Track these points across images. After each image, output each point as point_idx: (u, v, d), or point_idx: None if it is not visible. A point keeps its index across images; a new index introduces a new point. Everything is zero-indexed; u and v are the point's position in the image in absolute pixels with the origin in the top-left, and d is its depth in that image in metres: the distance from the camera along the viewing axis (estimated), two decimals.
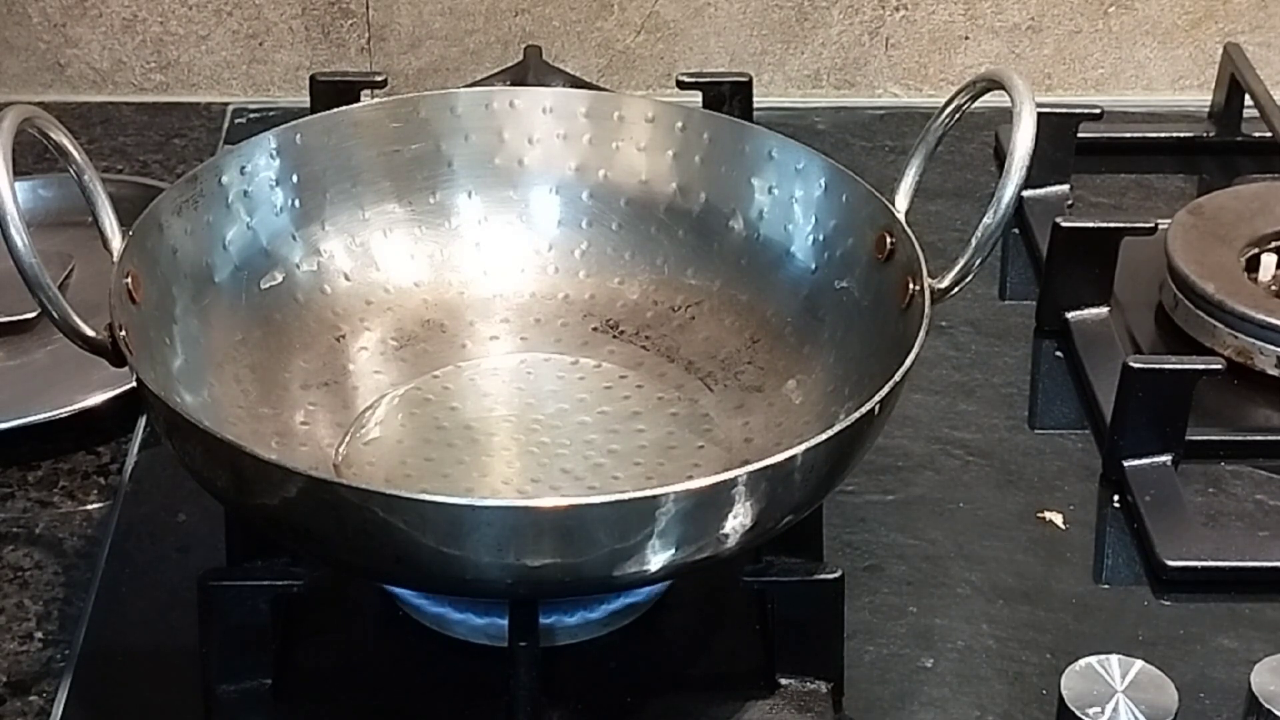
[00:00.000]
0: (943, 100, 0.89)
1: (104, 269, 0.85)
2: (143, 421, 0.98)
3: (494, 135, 1.00)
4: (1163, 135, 1.26)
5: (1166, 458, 0.95)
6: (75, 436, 0.98)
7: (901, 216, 0.89)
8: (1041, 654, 0.86)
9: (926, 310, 0.84)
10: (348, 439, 0.91)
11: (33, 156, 1.11)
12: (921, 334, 0.82)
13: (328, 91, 1.15)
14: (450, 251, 1.00)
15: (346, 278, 0.98)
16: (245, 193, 0.95)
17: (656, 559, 0.75)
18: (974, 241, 0.84)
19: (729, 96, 1.20)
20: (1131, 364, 0.94)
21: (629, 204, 1.00)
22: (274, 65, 1.32)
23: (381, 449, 0.91)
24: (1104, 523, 0.94)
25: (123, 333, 0.81)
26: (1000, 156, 1.23)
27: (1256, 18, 1.32)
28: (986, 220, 0.83)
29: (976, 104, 0.88)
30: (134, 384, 0.82)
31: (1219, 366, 0.95)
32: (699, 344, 0.97)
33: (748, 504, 0.75)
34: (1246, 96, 1.23)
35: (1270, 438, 0.99)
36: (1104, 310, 1.07)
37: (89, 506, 0.94)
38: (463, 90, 1.03)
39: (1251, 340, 1.02)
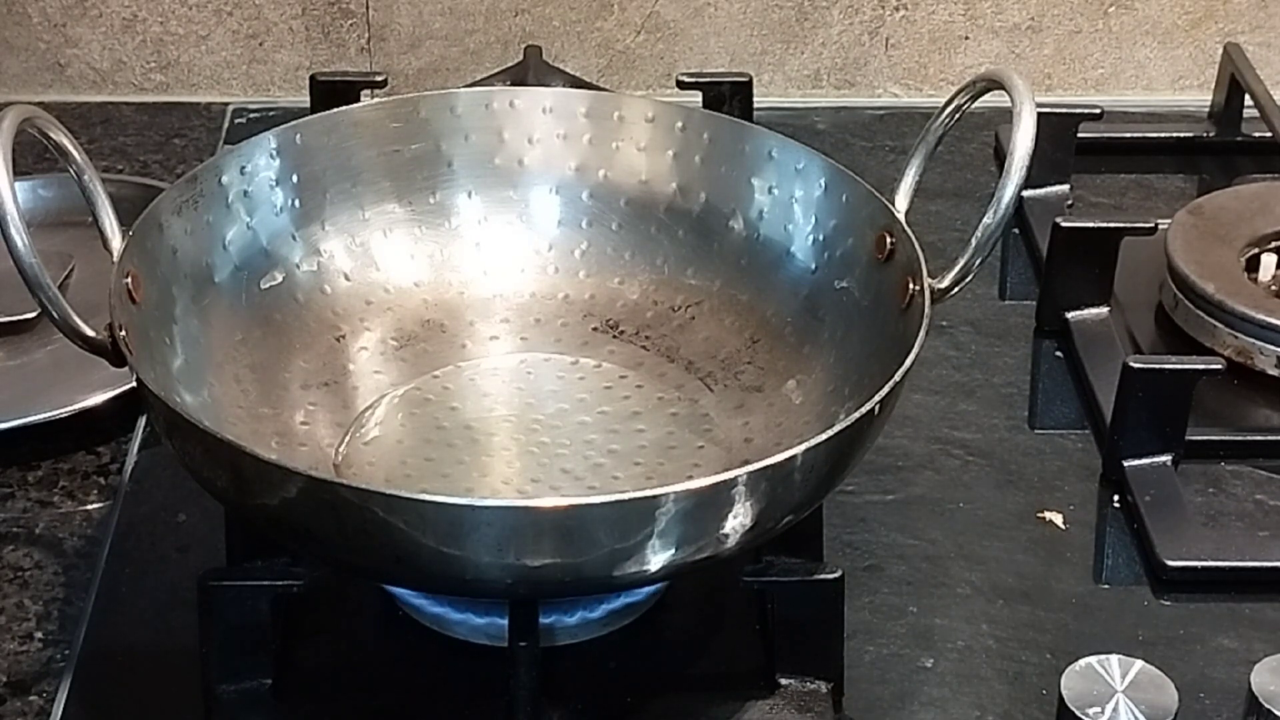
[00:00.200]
0: (943, 100, 0.89)
1: (104, 269, 0.85)
2: (143, 421, 0.98)
3: (494, 135, 1.00)
4: (1163, 135, 1.26)
5: (1166, 458, 0.95)
6: (75, 436, 0.98)
7: (901, 216, 0.89)
8: (1041, 654, 0.86)
9: (926, 310, 0.83)
10: (347, 439, 0.91)
11: (33, 156, 1.11)
12: (921, 334, 0.82)
13: (328, 91, 1.15)
14: (450, 251, 1.00)
15: (346, 278, 0.98)
16: (245, 193, 0.95)
17: (656, 559, 0.75)
18: (974, 241, 0.84)
19: (729, 96, 1.19)
20: (1131, 364, 0.94)
21: (629, 204, 1.00)
22: (274, 65, 1.31)
23: (381, 449, 0.91)
24: (1104, 523, 0.94)
25: (123, 333, 0.81)
26: (1000, 156, 1.23)
27: (1256, 18, 1.31)
28: (986, 220, 0.83)
29: (976, 104, 0.88)
30: (134, 384, 0.82)
31: (1219, 366, 0.95)
32: (699, 344, 0.97)
33: (748, 504, 0.75)
34: (1246, 96, 1.23)
35: (1270, 438, 0.99)
36: (1104, 310, 1.07)
37: (89, 506, 0.94)
38: (463, 90, 1.03)
39: (1251, 340, 1.02)
